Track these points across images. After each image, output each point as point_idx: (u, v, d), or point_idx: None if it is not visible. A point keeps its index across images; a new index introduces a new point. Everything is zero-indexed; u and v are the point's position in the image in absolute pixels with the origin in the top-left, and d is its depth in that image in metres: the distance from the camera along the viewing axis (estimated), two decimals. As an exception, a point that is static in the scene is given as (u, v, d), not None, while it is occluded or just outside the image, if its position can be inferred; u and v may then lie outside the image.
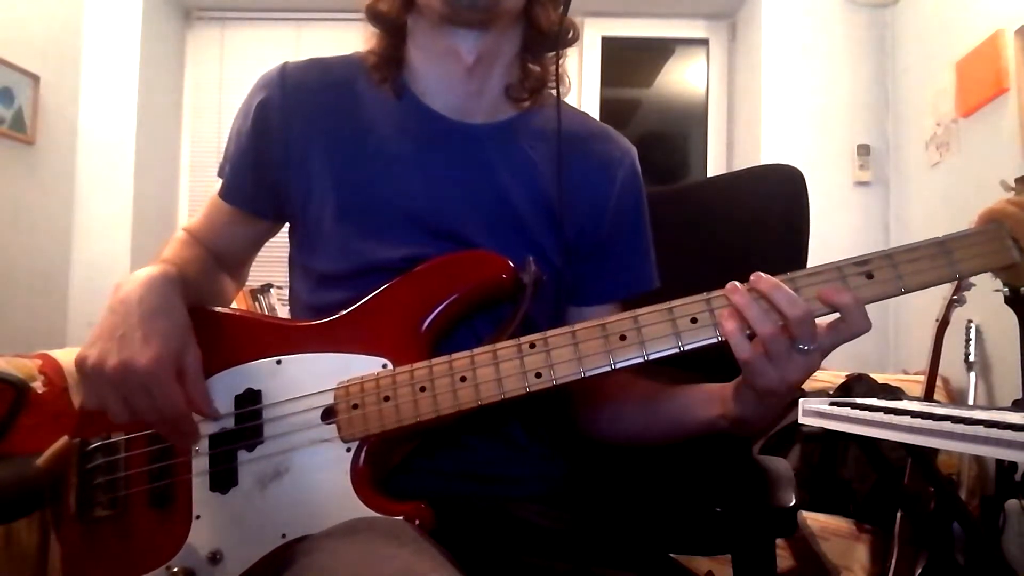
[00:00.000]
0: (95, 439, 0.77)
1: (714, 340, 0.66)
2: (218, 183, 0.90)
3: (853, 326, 0.64)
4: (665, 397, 0.83)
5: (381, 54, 0.84)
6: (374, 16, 0.83)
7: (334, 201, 0.81)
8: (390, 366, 0.72)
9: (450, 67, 0.82)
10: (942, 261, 0.65)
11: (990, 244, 0.65)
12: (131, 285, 0.72)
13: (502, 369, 0.68)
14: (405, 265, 0.77)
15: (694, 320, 0.66)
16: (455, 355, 0.70)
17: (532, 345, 0.68)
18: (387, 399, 0.70)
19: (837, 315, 0.65)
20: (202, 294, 0.81)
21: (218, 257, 0.91)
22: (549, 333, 0.68)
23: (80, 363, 0.68)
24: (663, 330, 0.66)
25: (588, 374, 0.67)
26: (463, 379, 0.68)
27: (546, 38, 0.84)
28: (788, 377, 0.65)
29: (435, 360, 0.70)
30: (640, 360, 0.66)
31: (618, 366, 0.66)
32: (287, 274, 0.92)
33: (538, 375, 0.67)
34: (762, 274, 0.65)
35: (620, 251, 0.89)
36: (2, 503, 1.65)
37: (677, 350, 0.66)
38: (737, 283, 0.66)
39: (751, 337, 0.65)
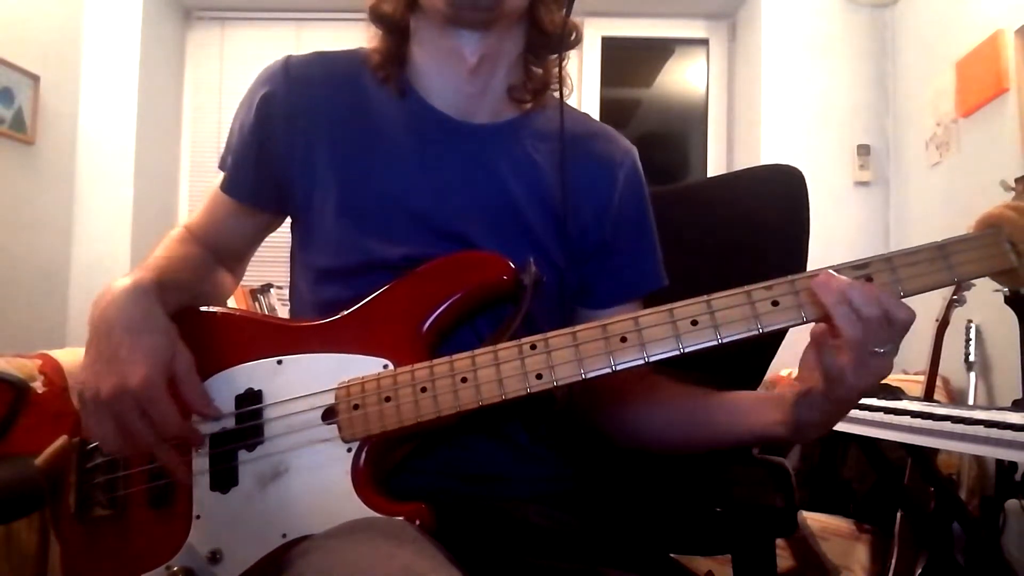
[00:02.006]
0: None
1: (713, 343, 0.65)
2: (219, 176, 0.89)
3: (901, 320, 0.62)
4: (710, 404, 0.81)
5: (384, 53, 0.84)
6: (377, 17, 0.83)
7: (336, 196, 0.81)
8: (391, 366, 0.72)
9: (453, 67, 0.82)
10: (941, 265, 0.65)
11: (988, 248, 0.65)
12: (106, 301, 0.71)
13: (503, 370, 0.68)
14: (405, 263, 0.77)
15: (694, 323, 0.66)
16: (456, 356, 0.69)
17: (533, 346, 0.68)
18: (388, 399, 0.70)
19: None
20: (193, 293, 0.81)
21: (217, 251, 0.90)
22: (550, 334, 0.68)
23: (81, 394, 0.69)
24: (663, 332, 0.66)
25: (589, 375, 0.67)
26: (464, 380, 0.68)
27: (549, 39, 0.84)
28: (860, 383, 0.64)
29: (436, 361, 0.70)
30: (640, 362, 0.66)
31: (618, 368, 0.66)
32: (287, 273, 0.92)
33: (539, 376, 0.67)
34: (832, 272, 0.63)
35: (625, 252, 0.89)
36: (2, 503, 1.65)
37: (677, 352, 0.66)
38: (833, 271, 0.63)
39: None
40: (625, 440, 0.89)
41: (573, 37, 0.85)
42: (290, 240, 0.91)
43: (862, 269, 0.65)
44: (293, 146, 0.83)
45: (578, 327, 0.68)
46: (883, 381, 2.17)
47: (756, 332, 0.65)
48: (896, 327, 0.62)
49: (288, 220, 0.90)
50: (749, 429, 0.76)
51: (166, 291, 0.74)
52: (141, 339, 0.69)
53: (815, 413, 0.69)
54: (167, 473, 0.72)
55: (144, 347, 0.68)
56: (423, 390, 0.69)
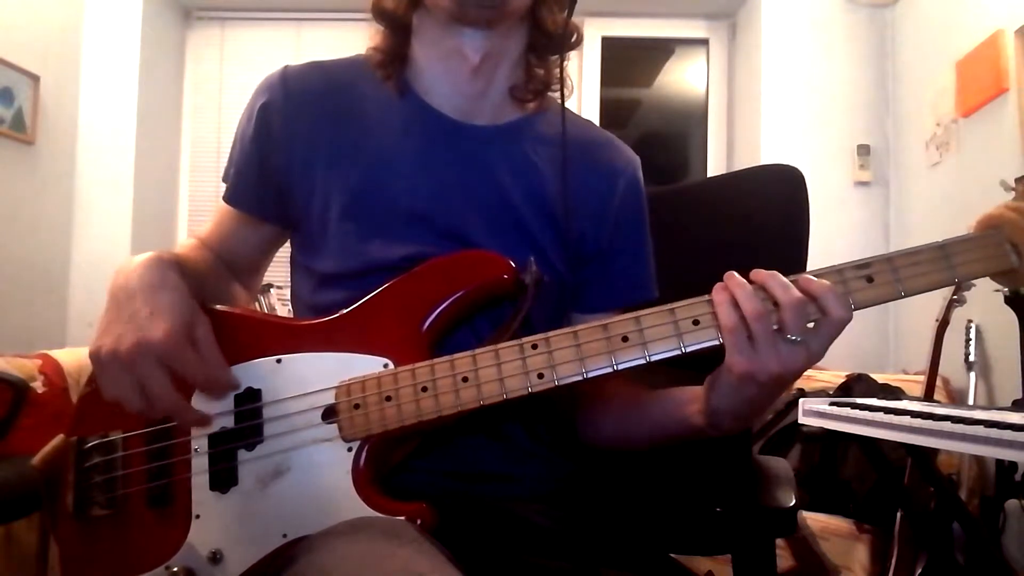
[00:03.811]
0: (92, 437, 0.76)
1: (716, 342, 0.66)
2: (222, 187, 0.90)
3: (833, 316, 0.63)
4: (647, 401, 0.83)
5: (386, 51, 0.84)
6: (380, 13, 0.83)
7: (337, 202, 0.81)
8: (391, 366, 0.72)
9: (455, 67, 0.82)
10: (942, 265, 0.65)
11: (989, 249, 0.66)
12: (128, 270, 0.72)
13: (504, 369, 0.68)
14: (407, 265, 0.77)
15: (696, 322, 0.66)
16: (457, 355, 0.69)
17: (534, 346, 0.68)
18: (389, 399, 0.70)
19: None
20: (207, 288, 0.81)
21: (229, 265, 0.90)
22: (551, 334, 0.68)
23: (95, 353, 0.68)
24: (665, 331, 0.66)
25: (590, 375, 0.67)
26: (465, 379, 0.68)
27: (551, 40, 0.84)
28: (769, 366, 0.63)
29: (437, 360, 0.70)
30: (642, 361, 0.66)
31: (620, 367, 0.67)
32: (287, 274, 0.91)
33: (540, 376, 0.67)
34: (760, 270, 0.66)
35: (621, 260, 0.89)
36: (2, 503, 1.65)
37: (679, 351, 0.66)
38: (735, 272, 0.66)
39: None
40: (584, 440, 0.90)
41: (574, 38, 0.86)
42: (289, 243, 0.91)
43: (864, 269, 0.65)
44: (292, 154, 0.83)
45: (579, 327, 0.68)
46: (883, 381, 2.15)
47: None
48: (827, 321, 0.63)
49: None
50: (674, 421, 0.78)
51: (185, 273, 0.74)
52: (161, 299, 0.68)
53: (724, 394, 0.69)
54: (187, 424, 0.72)
55: (165, 304, 0.68)
56: (424, 389, 0.69)
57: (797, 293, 0.63)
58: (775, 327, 0.63)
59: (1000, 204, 0.68)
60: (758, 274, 0.65)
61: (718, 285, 0.66)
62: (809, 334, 0.63)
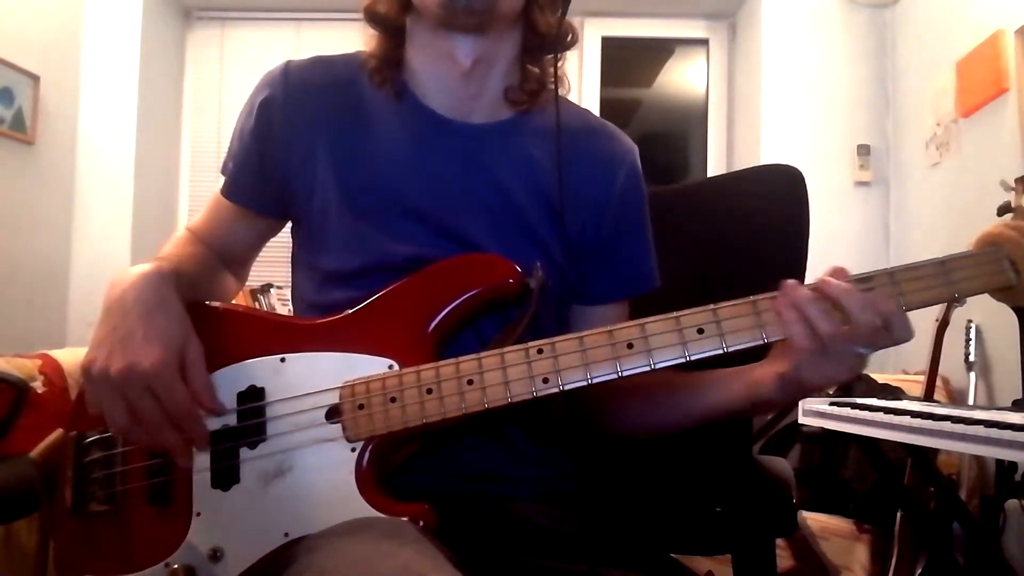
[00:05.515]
0: (92, 433, 0.76)
1: (719, 351, 0.66)
2: (220, 181, 0.90)
3: (895, 334, 0.65)
4: (681, 386, 0.83)
5: (381, 56, 0.84)
6: (372, 17, 0.83)
7: (337, 198, 0.81)
8: (396, 367, 0.72)
9: (447, 70, 0.82)
10: (941, 281, 0.66)
11: (988, 266, 0.67)
12: (125, 283, 0.72)
13: (509, 373, 0.68)
14: (409, 265, 0.77)
15: (700, 331, 0.67)
16: (462, 358, 0.70)
17: (540, 351, 0.68)
18: (393, 400, 0.70)
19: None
20: (201, 290, 0.81)
21: (220, 255, 0.91)
22: (557, 339, 0.69)
23: (87, 368, 0.69)
24: (669, 340, 0.67)
25: (595, 381, 0.67)
26: (470, 382, 0.68)
27: (544, 41, 0.84)
28: (837, 375, 0.67)
29: (442, 362, 0.70)
30: (646, 368, 0.67)
31: (624, 374, 0.67)
32: (288, 274, 0.92)
33: (545, 380, 0.68)
34: (831, 279, 0.66)
35: (623, 249, 0.89)
36: (2, 503, 1.65)
37: (683, 360, 0.67)
38: (794, 281, 0.66)
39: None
40: (610, 428, 0.90)
41: (569, 38, 0.85)
42: (290, 241, 0.91)
43: (866, 283, 0.66)
44: (292, 150, 0.83)
45: (585, 332, 0.68)
46: (883, 381, 2.15)
47: (761, 342, 0.67)
48: (893, 336, 0.65)
49: (289, 222, 0.91)
50: (711, 406, 0.79)
51: (181, 283, 0.74)
52: (156, 322, 0.69)
53: (784, 393, 0.72)
54: (168, 455, 0.72)
55: (159, 330, 0.69)
56: (429, 392, 0.69)
57: (871, 313, 0.64)
58: (848, 341, 0.65)
59: (999, 222, 0.69)
60: (829, 287, 0.65)
61: (782, 301, 0.65)
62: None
